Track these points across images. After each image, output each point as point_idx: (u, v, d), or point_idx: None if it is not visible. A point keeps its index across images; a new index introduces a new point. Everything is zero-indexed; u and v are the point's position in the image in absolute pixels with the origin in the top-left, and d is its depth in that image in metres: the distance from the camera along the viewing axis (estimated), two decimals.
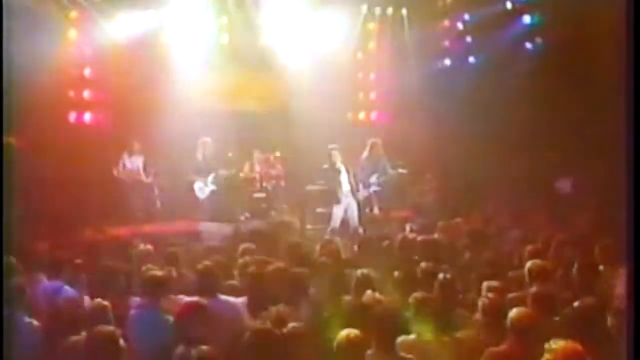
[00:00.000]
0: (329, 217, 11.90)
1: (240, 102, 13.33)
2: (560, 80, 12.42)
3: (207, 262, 6.16)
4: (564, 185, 12.04)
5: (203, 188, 11.64)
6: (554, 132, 12.44)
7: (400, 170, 11.35)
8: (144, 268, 6.26)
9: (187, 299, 5.71)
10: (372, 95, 14.71)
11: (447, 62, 14.49)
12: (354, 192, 10.62)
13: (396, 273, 6.31)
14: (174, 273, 6.59)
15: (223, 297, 5.78)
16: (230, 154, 12.42)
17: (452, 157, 13.02)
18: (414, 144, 13.06)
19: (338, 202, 10.45)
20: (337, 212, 10.55)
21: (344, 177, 10.52)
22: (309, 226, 11.99)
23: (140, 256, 7.28)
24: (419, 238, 7.83)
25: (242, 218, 12.44)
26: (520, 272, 6.29)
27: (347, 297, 5.97)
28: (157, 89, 12.34)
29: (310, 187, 12.34)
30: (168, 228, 11.39)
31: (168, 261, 7.10)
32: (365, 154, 11.49)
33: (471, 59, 14.30)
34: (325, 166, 10.61)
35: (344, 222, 10.68)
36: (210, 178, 11.68)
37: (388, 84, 14.36)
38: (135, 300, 5.82)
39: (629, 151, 3.65)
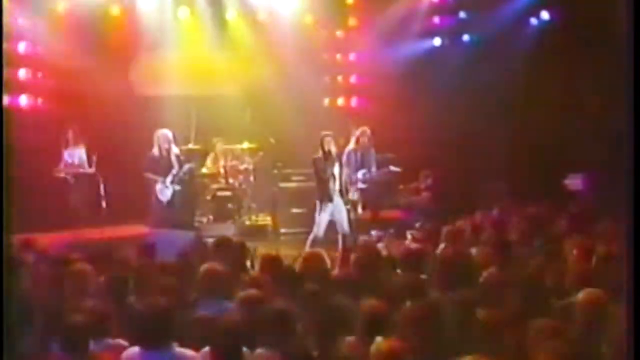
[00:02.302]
0: (306, 218, 10.59)
1: (202, 86, 12.12)
2: (569, 60, 11.30)
3: (159, 300, 4.60)
4: (575, 182, 10.82)
5: (164, 189, 9.97)
6: (564, 119, 11.26)
7: (393, 169, 9.92)
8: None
9: (127, 350, 4.27)
10: (353, 79, 13.52)
11: (438, 41, 13.28)
12: (343, 191, 9.00)
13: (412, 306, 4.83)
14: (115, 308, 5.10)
15: (178, 350, 4.24)
16: (190, 145, 10.88)
17: (446, 150, 11.89)
18: (401, 135, 11.83)
19: (329, 200, 8.73)
20: (323, 216, 8.80)
21: (337, 172, 8.84)
22: (283, 229, 10.97)
23: (74, 280, 5.76)
24: (440, 252, 6.35)
25: (205, 221, 11.00)
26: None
27: (350, 340, 4.55)
28: (105, 69, 10.99)
29: (284, 185, 11.14)
30: (114, 234, 10.08)
31: (109, 288, 5.65)
32: (351, 145, 10.00)
33: (465, 38, 13.11)
34: (317, 155, 8.89)
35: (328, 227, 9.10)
36: (170, 177, 10.03)
37: (370, 66, 13.26)
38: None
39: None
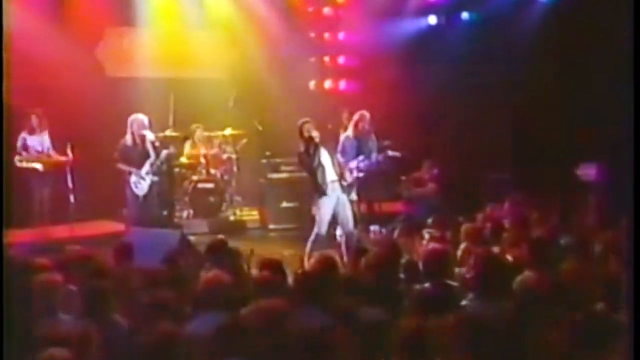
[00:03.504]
0: (297, 213, 10.14)
1: (180, 67, 11.45)
2: (578, 39, 10.58)
3: (166, 326, 3.80)
4: (588, 172, 10.23)
5: (139, 181, 9.07)
6: (573, 103, 10.65)
7: (391, 153, 9.19)
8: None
9: None
10: (341, 60, 13.00)
11: (433, 19, 12.72)
12: (341, 182, 8.12)
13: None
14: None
15: None
16: (168, 132, 10.02)
17: (447, 138, 11.34)
18: (394, 121, 11.20)
19: (323, 193, 7.88)
20: (324, 211, 7.89)
21: (326, 161, 7.97)
22: (272, 225, 10.35)
23: (42, 293, 4.90)
24: (475, 255, 5.60)
25: (184, 216, 10.17)
26: None
27: None
28: (70, 47, 10.14)
29: (273, 175, 10.45)
30: (85, 232, 9.34)
31: (86, 302, 4.80)
32: (349, 132, 9.20)
33: (464, 16, 12.53)
34: (300, 149, 8.09)
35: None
36: (146, 167, 9.13)
37: (360, 47, 12.77)
38: None
39: None
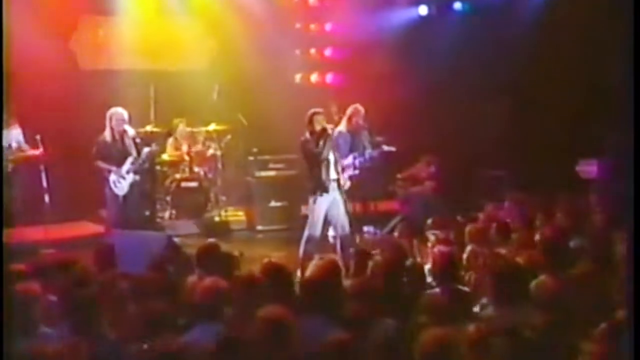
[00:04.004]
0: (286, 213, 9.99)
1: (160, 59, 11.11)
2: (578, 31, 10.44)
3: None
4: (589, 168, 10.10)
5: (120, 181, 8.72)
6: (573, 97, 10.51)
7: (387, 148, 8.96)
8: None
9: None
10: (328, 52, 12.78)
11: (424, 9, 12.51)
12: (340, 181, 7.85)
13: None
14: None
15: None
16: (149, 128, 9.70)
17: (440, 134, 11.13)
18: (384, 116, 11.01)
19: (325, 190, 7.57)
20: (318, 211, 7.57)
21: (331, 157, 7.69)
22: (259, 227, 10.11)
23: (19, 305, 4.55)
24: (486, 258, 5.41)
25: (166, 217, 9.88)
26: None
27: None
28: (41, 38, 9.83)
29: (261, 174, 10.17)
30: (61, 234, 9.03)
31: (71, 314, 4.48)
32: (342, 127, 8.92)
33: (456, 6, 12.33)
34: (305, 137, 7.79)
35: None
36: (127, 165, 8.81)
37: (348, 38, 12.50)
38: None
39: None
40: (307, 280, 5.27)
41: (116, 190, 8.69)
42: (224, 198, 10.39)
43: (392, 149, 8.98)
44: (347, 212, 7.69)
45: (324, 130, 7.59)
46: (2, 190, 5.89)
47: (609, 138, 9.74)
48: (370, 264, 5.57)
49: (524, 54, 10.95)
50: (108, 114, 8.72)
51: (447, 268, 5.54)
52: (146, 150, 8.78)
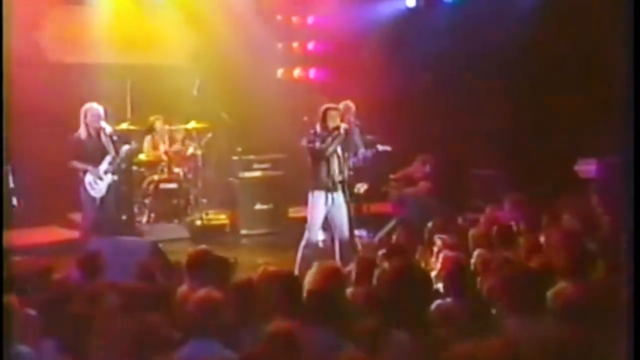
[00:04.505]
0: (272, 216, 9.76)
1: (135, 53, 10.78)
2: (578, 23, 10.12)
3: None
4: (588, 167, 9.98)
5: (96, 182, 8.36)
6: (573, 92, 10.17)
7: (382, 148, 8.75)
8: None
9: None
10: (310, 46, 12.58)
11: (412, 1, 12.23)
12: (344, 184, 7.59)
13: None
14: None
15: None
16: (125, 125, 9.35)
17: (432, 132, 10.95)
18: (372, 113, 10.84)
19: (332, 188, 7.22)
20: (317, 213, 7.32)
21: (336, 160, 7.41)
22: (244, 231, 9.80)
23: None
24: (500, 267, 5.16)
25: (144, 220, 9.55)
26: None
27: None
28: (9, 31, 9.35)
29: (245, 174, 9.90)
30: (31, 240, 8.79)
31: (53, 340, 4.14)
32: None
33: None
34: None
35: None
36: (104, 165, 8.46)
37: (331, 31, 12.36)
38: None
39: None
40: (311, 289, 5.01)
41: (92, 193, 8.27)
42: (204, 200, 10.07)
43: (388, 148, 8.77)
44: (350, 216, 7.41)
45: (337, 129, 7.35)
46: (2, 190, 5.68)
47: (609, 136, 9.65)
48: (377, 272, 5.33)
49: (517, 47, 10.73)
50: (82, 110, 8.30)
51: (459, 275, 5.33)
52: (125, 148, 8.40)
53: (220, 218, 10.06)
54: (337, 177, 7.38)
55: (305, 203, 10.26)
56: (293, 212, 9.96)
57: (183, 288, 5.21)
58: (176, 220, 9.69)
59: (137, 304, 4.68)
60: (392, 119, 10.92)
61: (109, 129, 8.35)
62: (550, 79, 10.68)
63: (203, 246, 5.98)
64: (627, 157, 3.85)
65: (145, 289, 4.99)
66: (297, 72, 12.45)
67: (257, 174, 9.99)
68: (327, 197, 7.37)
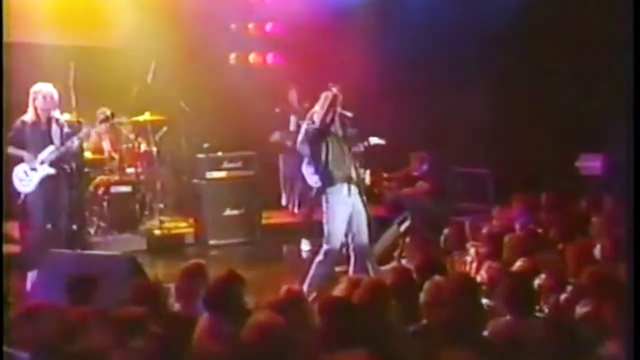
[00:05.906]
0: (245, 223, 9.27)
1: (81, 34, 10.24)
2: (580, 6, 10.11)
3: None
4: (591, 164, 9.91)
5: (26, 173, 7.58)
6: (573, 84, 10.22)
7: (375, 141, 8.30)
8: None
9: None
10: (268, 27, 12.27)
11: None
12: (360, 182, 7.02)
13: None
14: None
15: None
16: (68, 116, 8.54)
17: (417, 126, 10.54)
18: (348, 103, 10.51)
19: (343, 181, 6.77)
20: (340, 216, 6.66)
21: (344, 149, 6.89)
22: (212, 241, 9.20)
23: None
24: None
25: (93, 230, 8.81)
26: None
27: None
28: None
29: (213, 174, 9.28)
30: None
31: None
32: (316, 117, 8.18)
33: None
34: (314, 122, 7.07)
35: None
36: (44, 154, 7.55)
37: (292, 11, 11.88)
38: None
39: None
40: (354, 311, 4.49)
41: (19, 185, 7.46)
42: (161, 205, 9.46)
43: (382, 141, 8.34)
44: (369, 221, 6.84)
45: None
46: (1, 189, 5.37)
47: (615, 130, 9.59)
48: (426, 286, 4.82)
49: (509, 34, 10.44)
50: (33, 90, 7.55)
51: (521, 292, 4.91)
52: (74, 141, 7.60)
53: (181, 226, 9.44)
54: (351, 172, 6.84)
55: (279, 208, 9.81)
56: (266, 218, 9.49)
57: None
58: (131, 230, 9.01)
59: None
60: (365, 109, 10.60)
61: (61, 117, 7.61)
62: (541, 70, 10.57)
63: (195, 260, 5.51)
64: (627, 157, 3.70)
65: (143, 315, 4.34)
66: (252, 56, 12.14)
67: (225, 174, 9.41)
68: (349, 190, 6.75)
